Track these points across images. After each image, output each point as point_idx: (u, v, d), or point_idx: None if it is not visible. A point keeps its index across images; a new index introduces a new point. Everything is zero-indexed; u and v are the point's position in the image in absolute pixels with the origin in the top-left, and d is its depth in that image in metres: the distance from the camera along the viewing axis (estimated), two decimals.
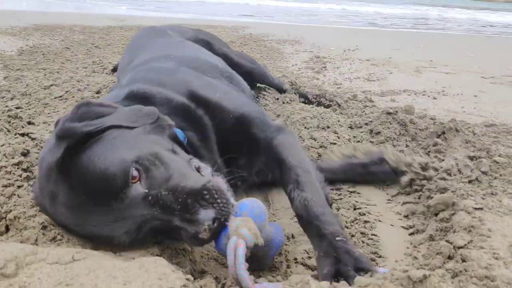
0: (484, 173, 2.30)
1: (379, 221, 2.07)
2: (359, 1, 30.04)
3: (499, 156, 2.45)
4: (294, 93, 3.75)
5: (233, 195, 1.53)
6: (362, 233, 1.95)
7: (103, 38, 7.22)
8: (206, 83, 2.17)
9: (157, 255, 1.50)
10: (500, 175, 2.30)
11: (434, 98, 4.19)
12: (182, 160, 1.56)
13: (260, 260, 1.59)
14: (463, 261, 1.51)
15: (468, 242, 1.63)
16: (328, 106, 3.62)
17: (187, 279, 1.30)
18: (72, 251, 1.38)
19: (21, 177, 1.86)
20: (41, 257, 1.34)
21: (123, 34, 7.83)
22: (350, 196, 2.28)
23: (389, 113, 2.98)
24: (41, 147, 2.02)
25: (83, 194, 1.40)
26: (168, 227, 1.41)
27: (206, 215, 1.35)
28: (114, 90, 2.18)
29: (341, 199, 2.24)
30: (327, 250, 1.47)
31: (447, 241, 1.68)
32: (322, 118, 3.13)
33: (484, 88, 4.79)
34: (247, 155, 2.00)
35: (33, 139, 2.18)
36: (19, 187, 1.78)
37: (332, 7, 22.69)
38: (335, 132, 2.90)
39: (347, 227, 1.98)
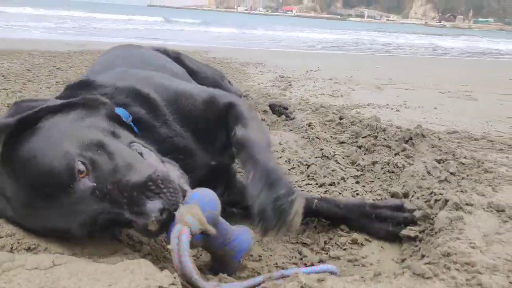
0: (452, 174, 2.39)
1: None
2: (320, 29, 31.07)
3: (465, 158, 2.56)
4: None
5: (186, 181, 1.50)
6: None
7: (65, 61, 7.09)
8: (159, 76, 2.16)
9: None
10: (467, 175, 2.40)
11: (397, 111, 4.35)
12: (125, 147, 1.51)
13: (226, 263, 1.54)
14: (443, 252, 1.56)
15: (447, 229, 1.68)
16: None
17: (175, 278, 1.27)
18: (51, 257, 1.33)
19: None
20: (19, 264, 1.28)
21: (84, 57, 7.73)
22: None
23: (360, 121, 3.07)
24: None
25: (30, 190, 1.35)
26: (121, 220, 1.36)
27: (153, 206, 1.30)
28: None
29: None
30: (261, 175, 1.52)
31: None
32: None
33: (442, 102, 5.02)
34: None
35: None
36: None
37: (292, 34, 23.31)
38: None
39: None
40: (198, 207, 1.34)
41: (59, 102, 1.59)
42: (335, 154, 2.69)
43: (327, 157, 2.67)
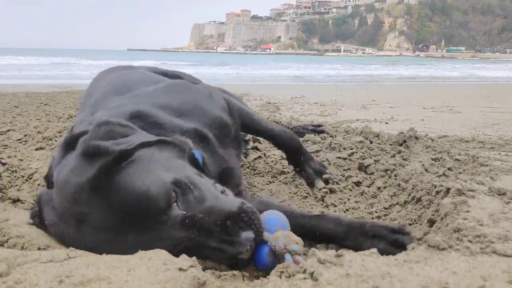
0: (449, 169, 2.43)
1: None
2: (303, 65, 31.82)
3: (459, 155, 2.62)
4: None
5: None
6: None
7: (51, 99, 7.09)
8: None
9: None
10: (464, 170, 2.45)
11: (386, 123, 4.45)
12: (210, 184, 1.59)
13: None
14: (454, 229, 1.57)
15: (453, 213, 1.70)
16: None
17: (194, 260, 1.26)
18: (66, 251, 1.31)
19: None
20: (33, 258, 1.26)
21: (70, 95, 7.74)
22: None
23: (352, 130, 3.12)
24: (13, 171, 1.93)
25: (121, 214, 1.37)
26: (203, 248, 1.40)
27: (247, 236, 1.38)
28: (84, 118, 2.05)
29: None
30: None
31: (435, 210, 1.75)
32: None
33: (428, 115, 5.15)
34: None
35: (3, 164, 2.08)
36: None
37: (273, 72, 23.69)
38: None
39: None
40: (291, 233, 1.46)
41: (152, 138, 1.64)
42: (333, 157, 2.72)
43: (327, 160, 2.69)
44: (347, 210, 2.27)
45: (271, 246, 1.41)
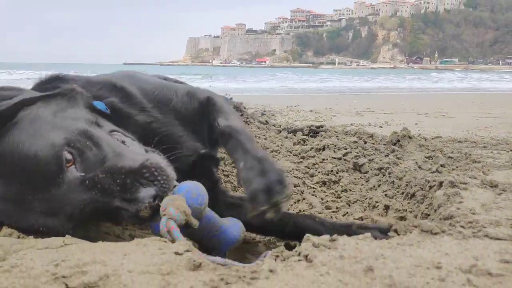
0: (442, 166, 2.46)
1: None
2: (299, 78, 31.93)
3: (452, 153, 2.65)
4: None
5: (173, 170, 1.49)
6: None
7: None
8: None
9: None
10: (457, 167, 2.48)
11: (380, 127, 4.49)
12: (109, 136, 1.51)
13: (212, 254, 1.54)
14: (446, 216, 1.59)
15: (446, 204, 1.72)
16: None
17: (190, 245, 1.27)
18: (62, 238, 1.32)
19: None
20: (29, 245, 1.27)
21: None
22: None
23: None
24: None
25: (17, 184, 1.31)
26: (109, 209, 1.35)
27: (146, 193, 1.32)
28: None
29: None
30: (253, 164, 1.55)
31: (429, 204, 1.76)
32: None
33: (421, 119, 5.20)
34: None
35: None
36: None
37: (271, 85, 23.73)
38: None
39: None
40: (184, 199, 1.35)
41: (36, 94, 1.56)
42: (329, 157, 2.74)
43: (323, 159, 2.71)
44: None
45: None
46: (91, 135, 1.42)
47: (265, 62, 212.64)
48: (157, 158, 1.47)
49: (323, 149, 2.84)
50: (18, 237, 1.44)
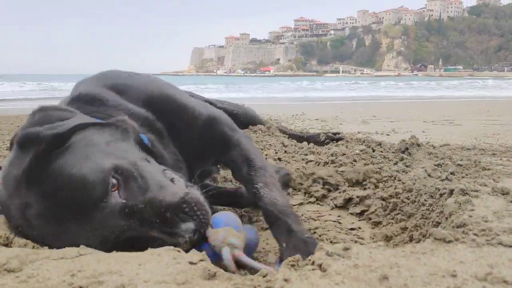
0: (452, 173, 2.45)
1: None
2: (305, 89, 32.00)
3: (461, 160, 2.64)
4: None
5: (209, 205, 1.52)
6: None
7: None
8: (172, 88, 2.18)
9: None
10: (467, 175, 2.47)
11: (387, 135, 4.49)
12: (157, 171, 1.54)
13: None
14: (459, 224, 1.59)
15: (457, 212, 1.72)
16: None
17: (203, 255, 1.27)
18: (76, 249, 1.33)
19: None
20: (44, 256, 1.28)
21: None
22: None
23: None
24: None
25: (59, 203, 1.33)
26: (145, 238, 1.38)
27: (187, 227, 1.36)
28: None
29: None
30: (297, 244, 1.54)
31: (440, 212, 1.75)
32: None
33: (429, 127, 5.19)
34: (214, 155, 2.06)
35: None
36: None
37: (274, 96, 23.75)
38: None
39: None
40: (233, 229, 1.43)
41: (90, 119, 1.60)
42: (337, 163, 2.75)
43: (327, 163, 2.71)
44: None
45: (210, 241, 1.39)
46: (139, 166, 1.46)
47: (269, 71, 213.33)
48: (197, 193, 1.50)
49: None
50: (33, 247, 1.46)
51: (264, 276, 1.18)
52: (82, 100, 1.86)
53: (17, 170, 1.39)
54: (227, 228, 1.41)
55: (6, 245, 1.43)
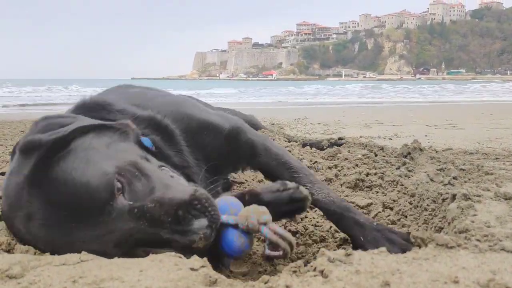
0: (454, 178, 2.44)
1: None
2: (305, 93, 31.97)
3: (464, 165, 2.64)
4: None
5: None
6: None
7: None
8: (190, 105, 2.19)
9: None
10: (469, 179, 2.46)
11: (390, 139, 4.48)
12: (158, 170, 1.54)
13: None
14: (461, 229, 1.58)
15: (460, 217, 1.71)
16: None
17: (205, 261, 1.27)
18: (78, 255, 1.33)
19: None
20: (46, 262, 1.28)
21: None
22: None
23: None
24: None
25: (64, 210, 1.31)
26: (157, 239, 1.35)
27: (200, 224, 1.34)
28: None
29: None
30: (375, 235, 1.65)
31: (443, 217, 1.75)
32: None
33: (431, 131, 5.18)
34: (242, 162, 2.10)
35: None
36: None
37: (274, 99, 23.77)
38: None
39: None
40: (256, 206, 1.46)
41: (90, 122, 1.60)
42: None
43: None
44: None
45: (243, 227, 1.40)
46: (141, 166, 1.45)
47: (272, 75, 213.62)
48: (203, 190, 1.49)
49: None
50: (35, 253, 1.46)
51: (265, 283, 1.18)
52: (86, 107, 1.88)
53: (18, 177, 1.38)
54: (252, 208, 1.44)
55: (8, 251, 1.43)
